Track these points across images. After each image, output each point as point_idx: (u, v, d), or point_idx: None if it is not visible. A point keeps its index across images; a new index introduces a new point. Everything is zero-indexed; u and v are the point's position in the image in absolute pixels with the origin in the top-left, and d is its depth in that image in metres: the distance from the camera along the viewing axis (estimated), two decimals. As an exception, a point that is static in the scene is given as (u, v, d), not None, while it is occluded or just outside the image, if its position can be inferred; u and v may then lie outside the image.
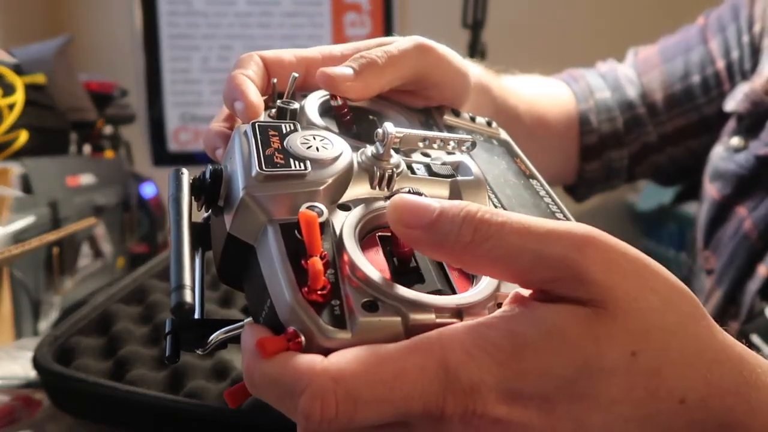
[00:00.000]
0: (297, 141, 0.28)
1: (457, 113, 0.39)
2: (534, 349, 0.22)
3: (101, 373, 0.40)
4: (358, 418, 0.21)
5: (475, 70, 0.45)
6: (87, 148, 1.16)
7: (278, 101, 0.32)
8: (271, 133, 0.28)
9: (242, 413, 0.36)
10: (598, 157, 0.65)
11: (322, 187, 0.26)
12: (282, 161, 0.27)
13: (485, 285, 0.26)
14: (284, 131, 0.28)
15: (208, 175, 0.29)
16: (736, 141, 0.56)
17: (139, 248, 1.42)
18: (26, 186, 0.81)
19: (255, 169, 0.26)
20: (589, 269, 0.22)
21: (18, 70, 0.89)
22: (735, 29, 0.62)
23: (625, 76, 0.67)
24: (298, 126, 0.29)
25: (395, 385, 0.21)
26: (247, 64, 0.34)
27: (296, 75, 0.33)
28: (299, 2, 2.30)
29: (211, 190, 0.28)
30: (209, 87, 2.30)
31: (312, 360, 0.22)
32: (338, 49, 0.37)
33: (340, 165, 0.28)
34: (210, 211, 0.30)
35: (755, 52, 0.59)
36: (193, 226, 0.27)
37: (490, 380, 0.22)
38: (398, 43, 0.36)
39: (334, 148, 0.28)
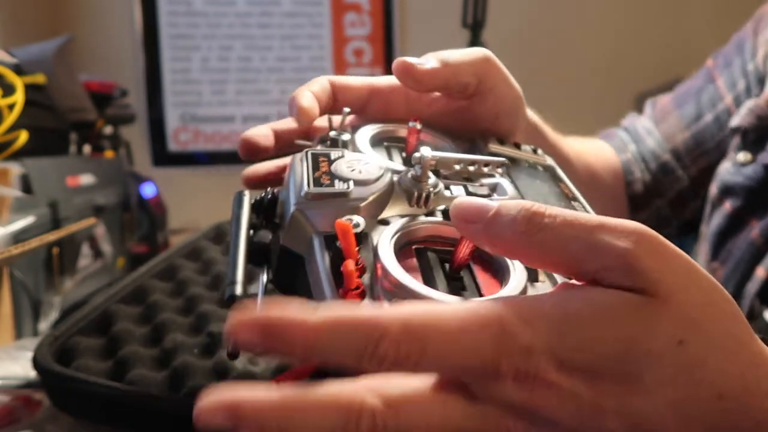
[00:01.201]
0: (343, 165, 0.32)
1: (502, 142, 0.41)
2: (585, 323, 0.23)
3: (101, 373, 0.40)
4: (424, 364, 0.22)
5: (531, 113, 0.47)
6: (87, 148, 1.16)
7: (331, 132, 0.36)
8: (321, 159, 0.32)
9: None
10: (647, 206, 0.65)
11: (362, 204, 0.30)
12: (328, 182, 0.31)
13: (512, 287, 0.27)
14: (332, 157, 0.33)
15: (267, 197, 0.33)
16: (742, 156, 0.56)
17: (139, 248, 1.42)
18: (26, 186, 0.81)
19: (305, 189, 0.30)
20: (640, 259, 0.23)
21: (18, 70, 0.89)
22: (740, 62, 0.62)
23: (644, 127, 0.69)
24: (346, 153, 0.33)
25: (459, 337, 0.22)
26: (313, 83, 0.38)
27: (348, 110, 0.37)
28: (299, 2, 2.30)
29: (267, 209, 0.33)
30: (209, 87, 2.30)
31: (378, 307, 0.23)
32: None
33: (380, 185, 0.31)
34: (269, 229, 0.34)
35: (761, 79, 0.59)
36: (255, 244, 0.31)
37: (543, 346, 0.22)
38: (465, 49, 0.40)
39: (375, 171, 0.32)
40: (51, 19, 2.11)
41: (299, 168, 0.32)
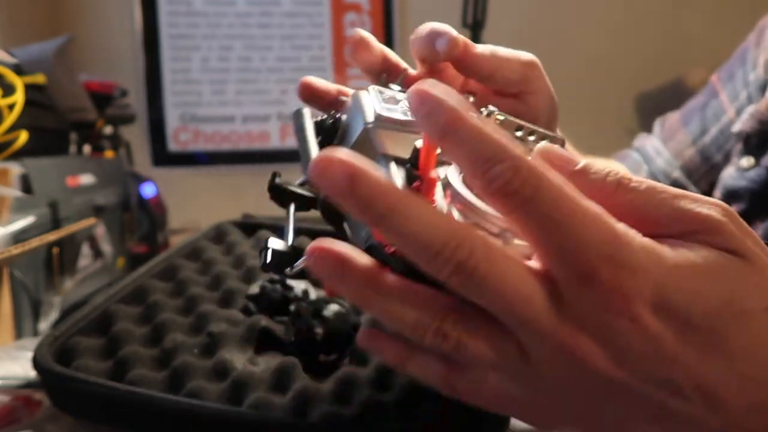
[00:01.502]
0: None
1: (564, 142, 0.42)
2: (697, 273, 0.23)
3: (101, 373, 0.40)
4: (540, 196, 0.22)
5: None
6: (87, 148, 1.16)
7: (392, 85, 0.37)
8: (390, 95, 0.33)
9: (242, 413, 0.36)
10: None
11: None
12: (398, 110, 0.31)
13: None
14: (399, 97, 0.33)
15: (329, 120, 0.33)
16: (745, 161, 0.57)
17: (139, 248, 1.42)
18: (26, 186, 0.81)
19: (378, 110, 0.30)
20: (726, 224, 0.24)
21: (18, 70, 0.89)
22: (742, 74, 0.63)
23: (653, 147, 0.70)
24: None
25: (577, 210, 0.22)
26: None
27: (404, 68, 0.39)
28: (299, 2, 2.30)
29: (328, 130, 0.33)
30: (209, 87, 2.30)
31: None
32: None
33: None
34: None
35: (763, 87, 0.59)
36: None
37: (652, 277, 0.22)
38: (515, 50, 0.41)
39: None
40: (51, 19, 2.11)
41: (366, 97, 0.32)
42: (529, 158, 0.23)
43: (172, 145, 2.31)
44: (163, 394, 0.38)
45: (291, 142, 2.35)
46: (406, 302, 0.24)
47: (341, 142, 0.32)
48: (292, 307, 0.47)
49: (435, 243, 0.22)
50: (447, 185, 0.27)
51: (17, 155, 0.81)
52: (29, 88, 0.90)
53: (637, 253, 0.22)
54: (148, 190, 1.50)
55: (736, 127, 0.58)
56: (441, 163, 0.32)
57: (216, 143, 2.32)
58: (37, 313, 0.82)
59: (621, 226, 0.23)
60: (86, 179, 1.04)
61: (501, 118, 0.33)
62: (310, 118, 0.33)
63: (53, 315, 0.87)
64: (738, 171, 0.57)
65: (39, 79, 0.96)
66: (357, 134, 0.30)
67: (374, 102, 0.31)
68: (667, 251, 0.23)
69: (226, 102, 2.31)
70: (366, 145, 0.30)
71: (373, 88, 0.33)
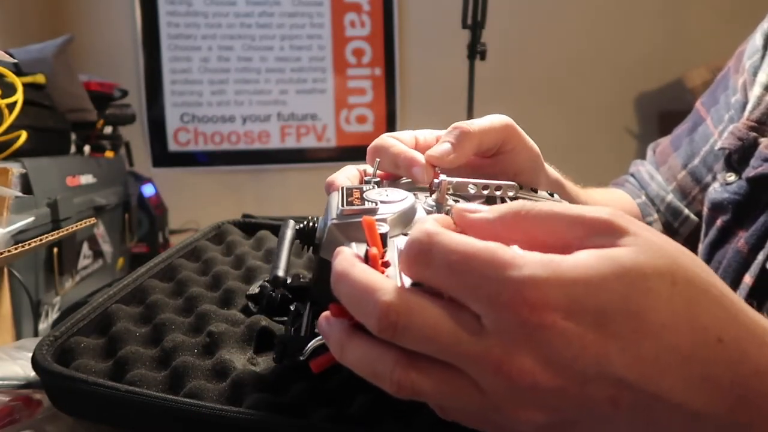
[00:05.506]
0: (373, 193, 0.38)
1: (520, 187, 0.44)
2: (590, 269, 0.24)
3: (101, 373, 0.40)
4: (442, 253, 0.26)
5: (551, 170, 0.51)
6: (87, 148, 1.16)
7: (365, 178, 0.43)
8: (354, 191, 0.38)
9: (242, 413, 0.36)
10: None
11: (388, 218, 0.35)
12: (359, 203, 0.36)
13: None
14: (364, 189, 0.38)
15: (309, 224, 0.41)
16: (728, 176, 0.58)
17: (139, 248, 1.42)
18: (26, 186, 0.81)
19: (340, 208, 0.36)
20: (619, 222, 0.26)
21: (18, 70, 0.89)
22: (724, 98, 0.65)
23: (647, 172, 0.72)
24: (376, 186, 0.39)
25: (469, 255, 0.25)
26: (403, 135, 0.44)
27: (378, 160, 0.43)
28: (299, 2, 2.30)
29: (308, 233, 0.41)
30: (209, 87, 2.30)
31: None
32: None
33: (404, 205, 0.36)
34: (311, 250, 0.41)
35: (743, 107, 0.61)
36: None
37: (553, 286, 0.24)
38: (489, 117, 0.44)
39: (400, 194, 0.37)
40: (51, 19, 2.11)
41: (335, 197, 0.38)
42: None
43: (172, 145, 2.31)
44: (163, 394, 0.38)
45: (291, 142, 2.35)
46: (365, 356, 0.27)
47: (321, 238, 0.38)
48: (292, 307, 0.47)
49: (360, 303, 0.27)
50: (399, 254, 0.31)
51: (17, 155, 0.81)
52: (29, 88, 0.90)
53: (534, 269, 0.24)
54: (148, 190, 1.50)
55: (718, 145, 0.61)
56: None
57: (216, 143, 2.32)
58: (37, 313, 0.82)
59: (513, 251, 0.25)
60: (86, 179, 1.04)
61: (452, 182, 0.38)
62: (292, 227, 0.42)
63: (53, 315, 0.87)
64: (722, 186, 0.59)
65: (39, 79, 0.96)
66: (327, 230, 0.36)
67: (340, 199, 0.37)
68: (563, 260, 0.25)
69: (226, 102, 2.31)
70: (335, 236, 0.36)
71: (344, 188, 0.39)
